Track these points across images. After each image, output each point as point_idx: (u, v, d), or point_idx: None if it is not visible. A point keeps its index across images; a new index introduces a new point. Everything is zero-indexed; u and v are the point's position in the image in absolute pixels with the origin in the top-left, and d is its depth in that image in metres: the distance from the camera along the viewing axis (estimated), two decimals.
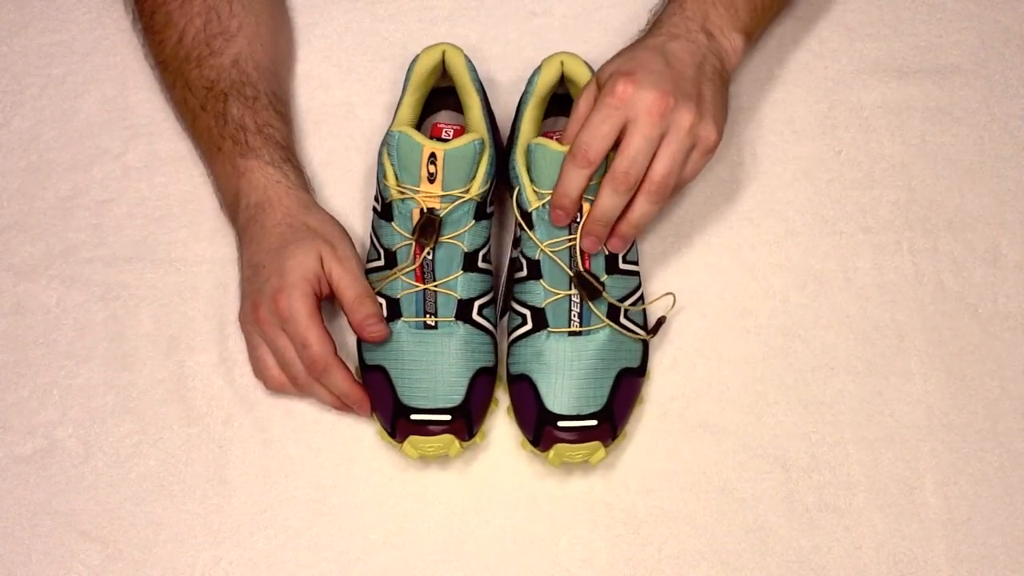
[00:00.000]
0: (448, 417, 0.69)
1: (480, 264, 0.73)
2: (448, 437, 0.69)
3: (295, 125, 0.81)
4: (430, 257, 0.71)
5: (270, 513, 0.72)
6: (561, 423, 0.69)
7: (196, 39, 0.76)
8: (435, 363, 0.70)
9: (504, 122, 0.80)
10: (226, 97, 0.75)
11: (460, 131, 0.76)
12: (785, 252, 0.80)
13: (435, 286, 0.71)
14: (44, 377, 0.76)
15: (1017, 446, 0.75)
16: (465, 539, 0.72)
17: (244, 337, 0.73)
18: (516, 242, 0.73)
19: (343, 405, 0.72)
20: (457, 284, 0.71)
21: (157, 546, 0.72)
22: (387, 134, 0.71)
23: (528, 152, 0.71)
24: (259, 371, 0.73)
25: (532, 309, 0.71)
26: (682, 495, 0.73)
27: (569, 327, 0.71)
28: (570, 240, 0.70)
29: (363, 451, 0.74)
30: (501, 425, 0.74)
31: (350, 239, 0.74)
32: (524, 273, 0.72)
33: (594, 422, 0.69)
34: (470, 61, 0.75)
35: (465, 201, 0.71)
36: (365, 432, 0.74)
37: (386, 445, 0.74)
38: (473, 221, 0.71)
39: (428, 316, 0.71)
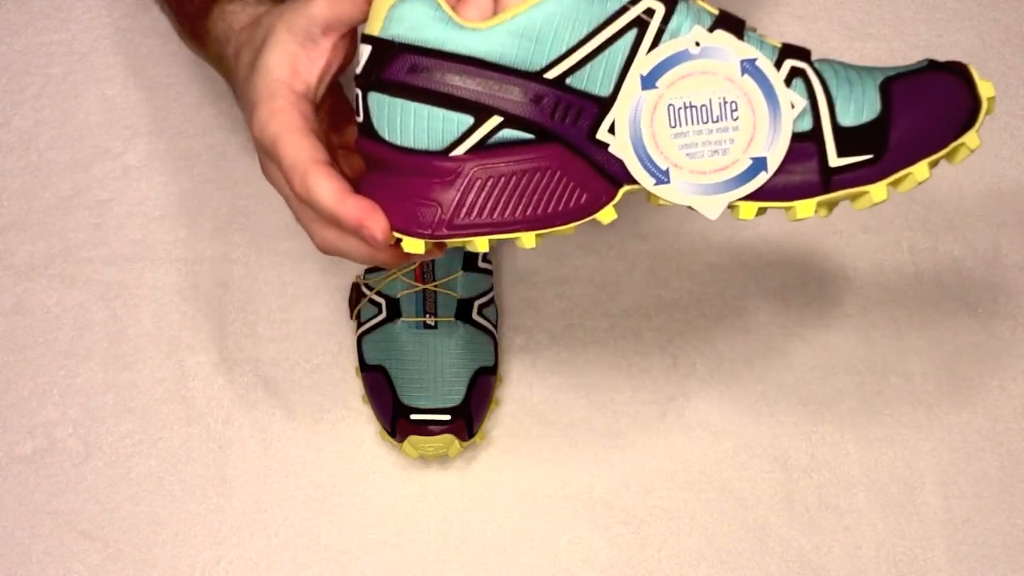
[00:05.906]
0: (448, 417, 0.69)
1: (480, 264, 0.73)
2: (448, 437, 0.69)
3: None
4: None
5: (270, 513, 0.72)
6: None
7: None
8: (435, 363, 0.70)
9: None
10: None
11: None
12: (785, 252, 0.80)
13: (435, 286, 0.71)
14: (44, 377, 0.76)
15: (1017, 446, 0.75)
16: (465, 539, 0.72)
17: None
18: None
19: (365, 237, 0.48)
20: (457, 284, 0.71)
21: (157, 546, 0.72)
22: None
23: None
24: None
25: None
26: (682, 495, 0.73)
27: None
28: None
29: (363, 451, 0.74)
30: (501, 425, 0.74)
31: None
32: None
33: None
34: None
35: None
36: (365, 432, 0.74)
37: (386, 445, 0.74)
38: None
39: (428, 316, 0.71)
